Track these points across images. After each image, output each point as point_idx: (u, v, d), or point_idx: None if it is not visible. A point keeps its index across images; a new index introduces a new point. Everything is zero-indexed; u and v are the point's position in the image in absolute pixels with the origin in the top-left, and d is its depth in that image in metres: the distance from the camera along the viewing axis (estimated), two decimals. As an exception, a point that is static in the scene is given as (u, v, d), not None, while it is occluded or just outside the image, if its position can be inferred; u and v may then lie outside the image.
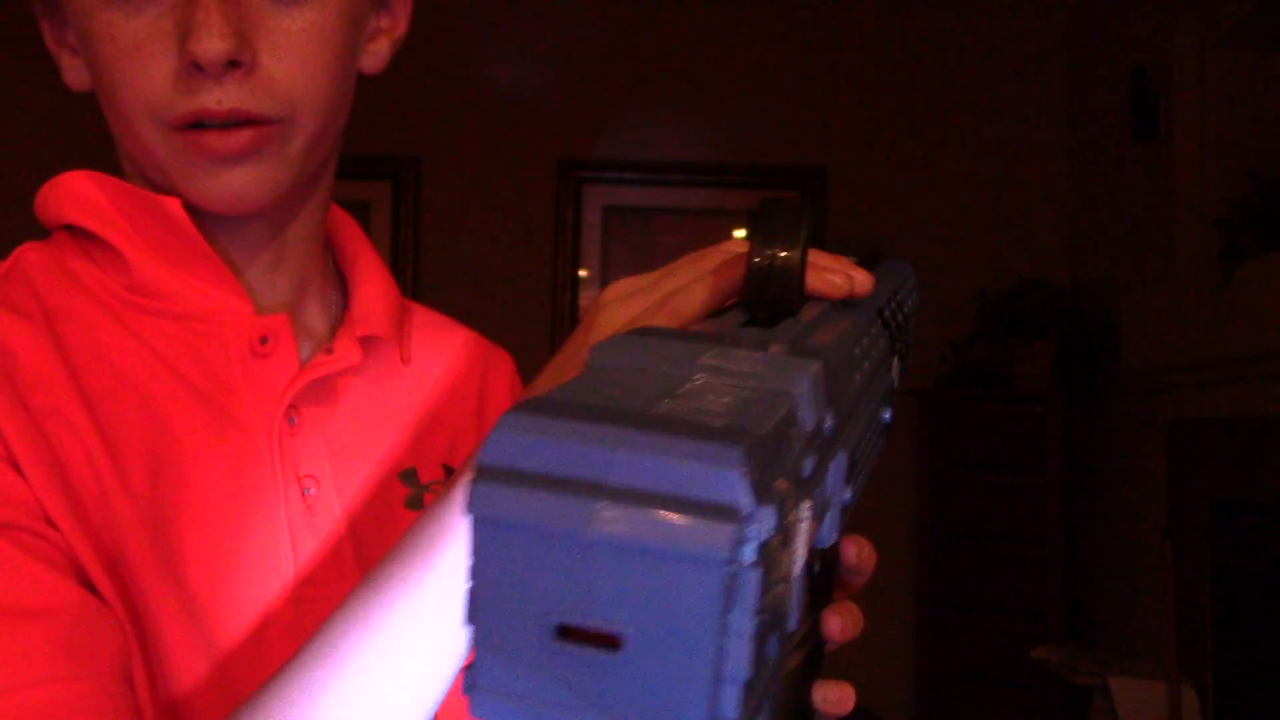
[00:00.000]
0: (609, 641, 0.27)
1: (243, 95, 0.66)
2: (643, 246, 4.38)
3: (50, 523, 0.61)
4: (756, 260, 0.46)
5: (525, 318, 4.20)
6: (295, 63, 0.68)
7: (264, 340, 0.72)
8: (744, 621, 0.27)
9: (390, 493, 0.76)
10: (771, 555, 0.28)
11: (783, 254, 0.46)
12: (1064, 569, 3.72)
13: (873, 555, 0.52)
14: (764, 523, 0.27)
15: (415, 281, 4.23)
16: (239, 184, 0.68)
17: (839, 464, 0.38)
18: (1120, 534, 3.75)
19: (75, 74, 0.74)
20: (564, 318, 4.27)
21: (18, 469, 0.61)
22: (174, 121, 0.67)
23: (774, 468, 0.29)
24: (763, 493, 0.27)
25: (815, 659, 0.49)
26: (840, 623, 0.49)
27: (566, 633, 0.28)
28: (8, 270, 0.71)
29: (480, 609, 0.28)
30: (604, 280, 4.32)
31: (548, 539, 0.27)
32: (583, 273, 4.32)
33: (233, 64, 0.65)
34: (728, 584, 0.26)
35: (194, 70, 0.65)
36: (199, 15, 0.64)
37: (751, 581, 0.27)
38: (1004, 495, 3.78)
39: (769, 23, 4.28)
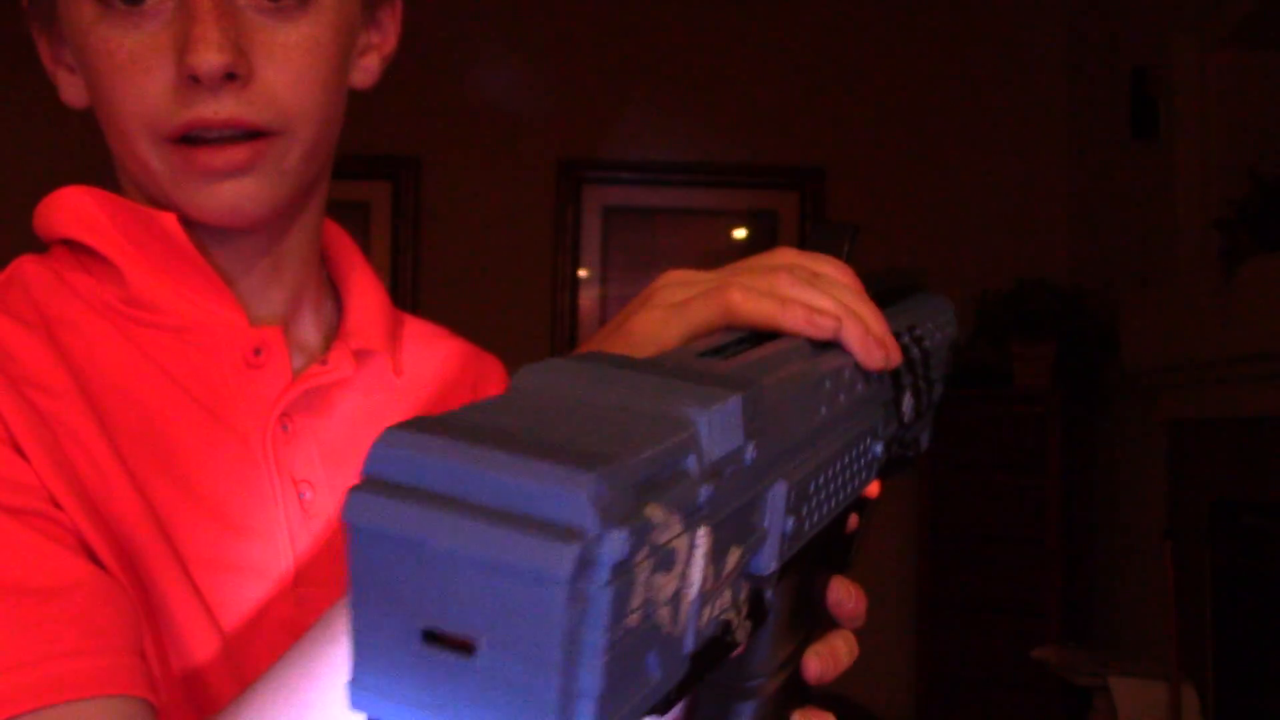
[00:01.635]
0: (466, 647, 0.29)
1: (240, 105, 0.67)
2: (643, 246, 4.38)
3: (56, 504, 0.62)
4: None
5: (525, 318, 4.20)
6: (291, 75, 0.69)
7: (257, 352, 0.73)
8: (597, 638, 0.28)
9: None
10: (632, 576, 0.29)
11: None
12: (1064, 569, 3.72)
13: (861, 602, 0.52)
14: (615, 545, 0.28)
15: (415, 281, 4.23)
16: (235, 198, 0.69)
17: (776, 494, 0.39)
18: (1120, 534, 3.75)
19: (72, 91, 0.75)
20: (564, 317, 4.27)
21: (22, 454, 0.62)
22: (171, 133, 0.68)
23: (647, 493, 0.30)
24: (617, 516, 0.28)
25: (797, 684, 0.50)
26: (818, 665, 0.49)
27: (431, 637, 0.29)
28: (7, 280, 0.72)
29: (359, 610, 0.30)
30: (604, 280, 4.33)
31: (415, 548, 0.29)
32: (583, 273, 4.32)
33: (230, 76, 0.66)
34: (574, 601, 0.27)
35: (191, 83, 0.66)
36: (196, 30, 0.65)
37: (602, 600, 0.28)
38: (1004, 495, 3.78)
39: (768, 23, 4.29)
